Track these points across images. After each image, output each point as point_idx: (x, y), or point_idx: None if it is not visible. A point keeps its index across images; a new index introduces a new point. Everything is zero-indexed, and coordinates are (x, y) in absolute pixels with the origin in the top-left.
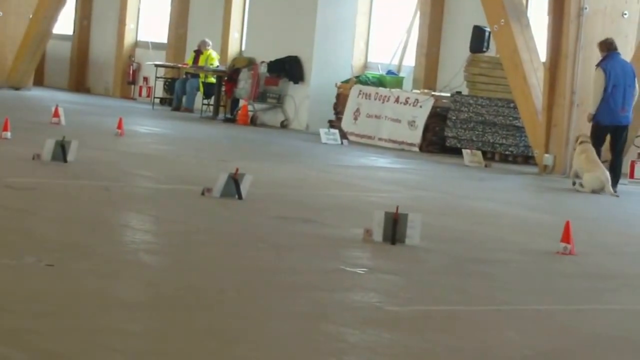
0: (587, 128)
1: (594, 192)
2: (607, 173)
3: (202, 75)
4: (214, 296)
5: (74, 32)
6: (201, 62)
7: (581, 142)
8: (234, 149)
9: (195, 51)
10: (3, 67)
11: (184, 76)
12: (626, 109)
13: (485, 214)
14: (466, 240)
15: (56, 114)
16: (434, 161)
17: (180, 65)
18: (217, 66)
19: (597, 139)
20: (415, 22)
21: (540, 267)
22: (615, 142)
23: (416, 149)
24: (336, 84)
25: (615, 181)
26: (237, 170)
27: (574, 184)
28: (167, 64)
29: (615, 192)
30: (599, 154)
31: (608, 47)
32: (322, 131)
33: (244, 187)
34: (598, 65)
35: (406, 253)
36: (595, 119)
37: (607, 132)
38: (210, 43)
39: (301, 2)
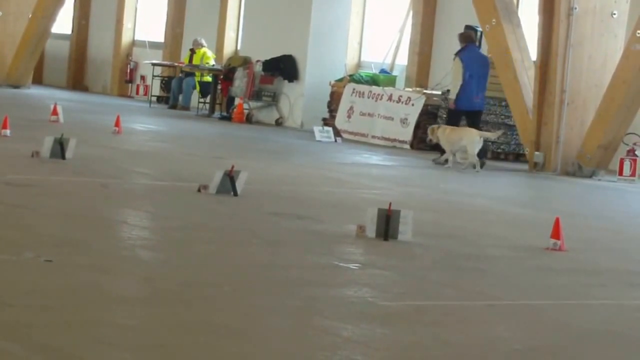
0: (580, 127)
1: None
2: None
3: (198, 73)
4: (210, 291)
5: (72, 31)
6: (195, 61)
7: (438, 127)
8: (230, 146)
9: (191, 50)
10: (3, 65)
11: (181, 75)
12: (480, 96)
13: (476, 211)
14: (458, 236)
15: (55, 112)
16: (426, 158)
17: (176, 64)
18: (213, 65)
19: (453, 123)
20: (408, 22)
21: (531, 262)
22: (473, 124)
23: (408, 146)
24: (330, 82)
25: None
26: (232, 167)
27: (446, 162)
28: (164, 62)
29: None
30: None
31: (466, 39)
32: (316, 129)
33: (239, 184)
34: (456, 55)
35: (399, 249)
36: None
37: (462, 115)
38: (204, 42)
39: (296, 3)
